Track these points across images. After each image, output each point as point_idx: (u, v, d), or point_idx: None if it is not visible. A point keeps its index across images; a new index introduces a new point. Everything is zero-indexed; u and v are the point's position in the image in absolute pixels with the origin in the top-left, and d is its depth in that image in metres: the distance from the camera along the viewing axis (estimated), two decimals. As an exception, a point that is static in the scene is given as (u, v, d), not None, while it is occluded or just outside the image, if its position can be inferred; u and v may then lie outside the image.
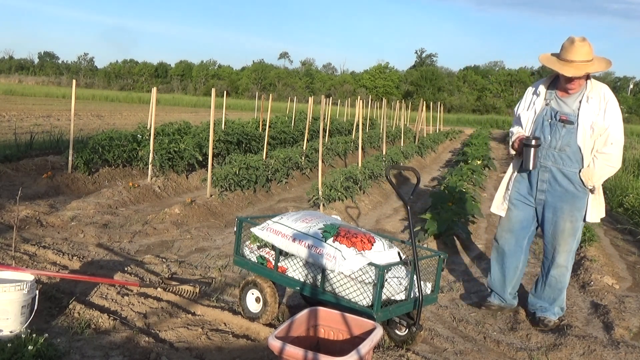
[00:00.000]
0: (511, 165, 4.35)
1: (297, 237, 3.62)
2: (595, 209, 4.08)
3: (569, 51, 3.83)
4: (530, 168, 3.99)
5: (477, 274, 5.55)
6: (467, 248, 6.46)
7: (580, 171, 3.98)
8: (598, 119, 3.90)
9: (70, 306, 3.81)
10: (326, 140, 13.78)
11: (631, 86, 78.24)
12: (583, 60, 3.81)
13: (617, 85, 79.82)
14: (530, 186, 4.16)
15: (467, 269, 5.72)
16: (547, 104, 4.09)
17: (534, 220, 4.26)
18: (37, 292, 3.36)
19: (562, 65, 3.86)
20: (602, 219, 4.28)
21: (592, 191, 4.01)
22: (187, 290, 4.24)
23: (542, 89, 4.15)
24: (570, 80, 3.88)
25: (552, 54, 3.99)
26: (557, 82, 4.09)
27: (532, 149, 3.94)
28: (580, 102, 3.96)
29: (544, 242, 4.24)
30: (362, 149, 13.58)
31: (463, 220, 6.82)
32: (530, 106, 4.17)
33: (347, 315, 3.07)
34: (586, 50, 3.81)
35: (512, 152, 4.25)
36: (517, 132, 4.21)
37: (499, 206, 4.36)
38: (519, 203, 4.23)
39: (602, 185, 4.10)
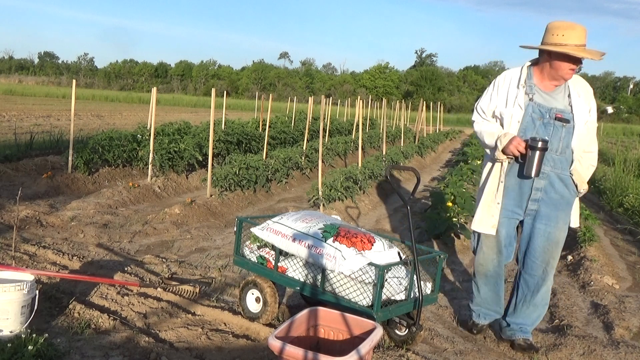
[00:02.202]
0: (492, 173, 3.63)
1: (297, 237, 3.62)
2: (577, 213, 3.70)
3: (574, 35, 3.24)
4: (533, 175, 3.38)
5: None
6: (467, 248, 6.46)
7: (571, 174, 3.53)
8: (589, 116, 3.49)
9: (70, 306, 3.81)
10: (326, 140, 13.79)
11: (631, 86, 78.29)
12: (584, 44, 3.29)
13: (617, 85, 79.90)
14: (521, 196, 3.57)
15: (467, 269, 5.72)
16: (530, 99, 3.48)
17: (515, 234, 3.75)
18: (37, 292, 3.36)
19: (580, 50, 3.24)
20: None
21: (579, 194, 3.64)
22: (187, 290, 4.24)
23: (521, 80, 3.51)
24: (577, 64, 3.32)
25: (543, 43, 3.40)
26: (532, 73, 3.54)
27: (538, 152, 3.33)
28: (569, 97, 3.48)
29: (530, 257, 3.66)
30: (362, 149, 13.58)
31: (463, 220, 6.82)
32: (512, 101, 3.50)
33: (347, 315, 3.07)
34: (586, 33, 3.31)
35: (502, 157, 3.50)
36: (498, 131, 3.52)
37: (486, 223, 3.65)
38: (506, 220, 3.64)
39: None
